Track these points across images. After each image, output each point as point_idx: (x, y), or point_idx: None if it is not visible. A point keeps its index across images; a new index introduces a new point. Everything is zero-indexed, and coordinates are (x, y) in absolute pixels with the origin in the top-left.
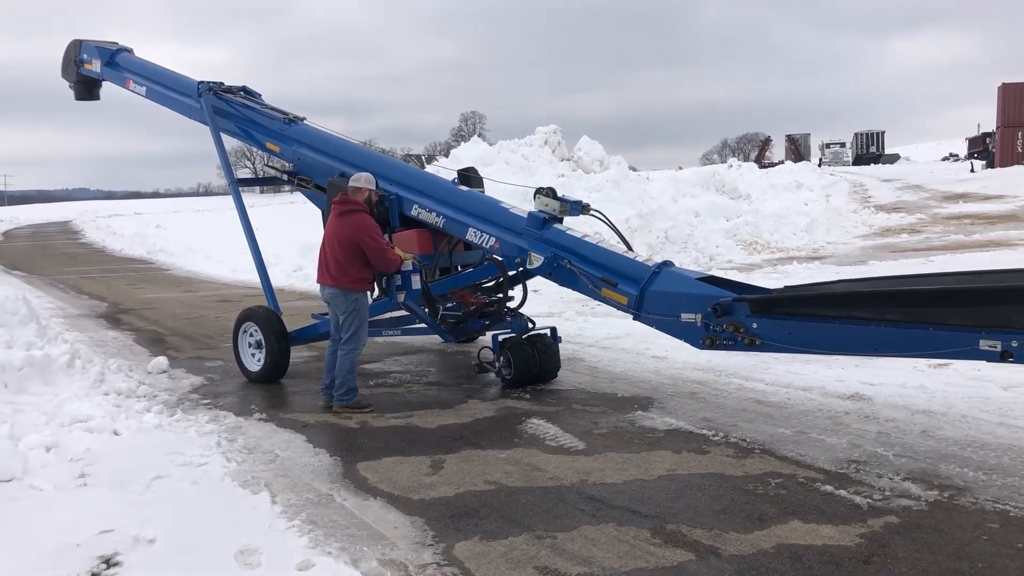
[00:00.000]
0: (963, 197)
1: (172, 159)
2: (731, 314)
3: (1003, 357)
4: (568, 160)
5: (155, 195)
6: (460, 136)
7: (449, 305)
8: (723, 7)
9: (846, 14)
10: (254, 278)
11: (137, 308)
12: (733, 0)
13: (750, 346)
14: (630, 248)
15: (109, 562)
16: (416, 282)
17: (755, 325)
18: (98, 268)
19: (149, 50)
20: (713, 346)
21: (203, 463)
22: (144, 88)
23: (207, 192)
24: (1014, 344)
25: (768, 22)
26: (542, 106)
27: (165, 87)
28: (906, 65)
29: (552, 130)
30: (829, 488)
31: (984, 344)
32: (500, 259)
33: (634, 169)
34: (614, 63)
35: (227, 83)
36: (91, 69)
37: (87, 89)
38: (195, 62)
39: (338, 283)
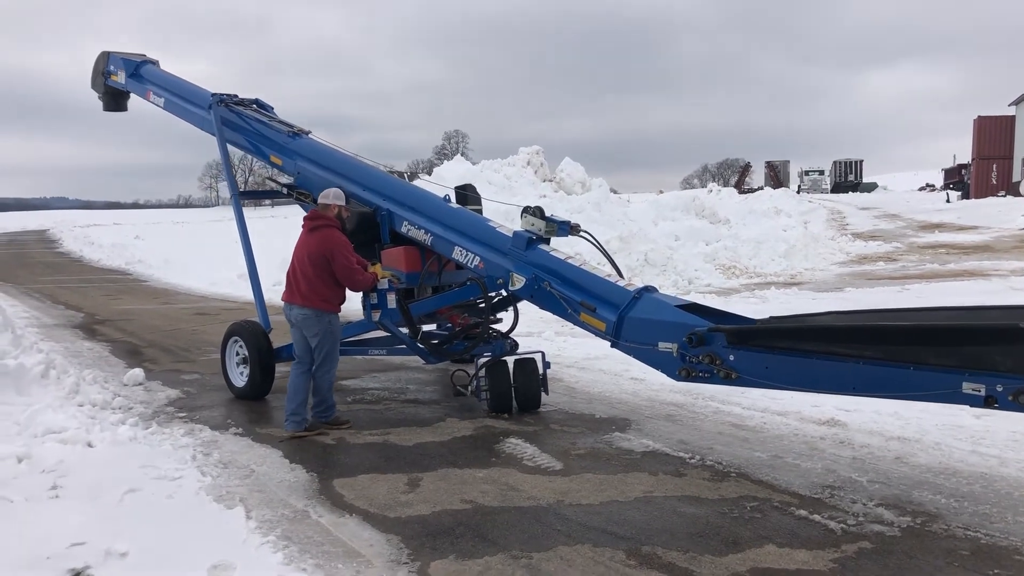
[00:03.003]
0: (939, 227)
1: (153, 170)
2: (707, 344)
3: (987, 402)
4: (550, 181)
5: (135, 206)
6: (443, 155)
7: (449, 325)
8: (703, 37)
9: (824, 47)
10: (232, 291)
11: (114, 319)
12: (713, 31)
13: (726, 380)
14: (619, 272)
15: (80, 575)
16: (391, 301)
17: (732, 357)
18: (75, 278)
19: None
20: (689, 378)
21: (178, 477)
22: (163, 100)
23: (187, 204)
24: (999, 388)
25: (747, 53)
26: (524, 127)
27: (181, 98)
28: (885, 96)
29: (535, 151)
30: (803, 512)
31: (967, 387)
32: (482, 279)
33: (615, 192)
34: (596, 87)
35: (240, 95)
36: (117, 81)
37: (115, 100)
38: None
39: (309, 302)
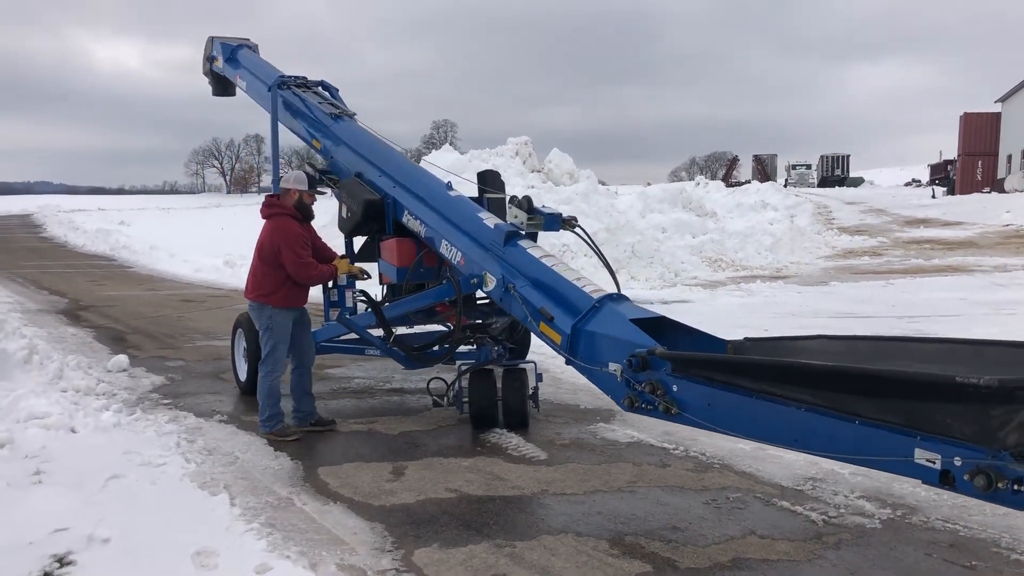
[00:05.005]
0: (924, 222)
1: (138, 155)
2: (651, 369)
3: (944, 479)
4: (538, 172)
5: (120, 191)
6: (431, 144)
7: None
8: (692, 30)
9: (812, 41)
10: (218, 278)
11: (98, 305)
12: (702, 24)
13: (666, 414)
14: (612, 273)
15: (62, 561)
16: (349, 299)
17: (675, 387)
18: (59, 263)
19: (113, 45)
20: (633, 408)
21: (162, 463)
22: (245, 84)
23: (173, 190)
24: (957, 462)
25: (736, 46)
26: (513, 117)
27: (257, 79)
28: (872, 91)
29: (523, 141)
30: (786, 504)
31: (920, 456)
32: (456, 278)
33: (603, 183)
34: (585, 79)
35: (309, 78)
36: (219, 66)
37: (222, 85)
38: (161, 60)
39: (252, 295)
